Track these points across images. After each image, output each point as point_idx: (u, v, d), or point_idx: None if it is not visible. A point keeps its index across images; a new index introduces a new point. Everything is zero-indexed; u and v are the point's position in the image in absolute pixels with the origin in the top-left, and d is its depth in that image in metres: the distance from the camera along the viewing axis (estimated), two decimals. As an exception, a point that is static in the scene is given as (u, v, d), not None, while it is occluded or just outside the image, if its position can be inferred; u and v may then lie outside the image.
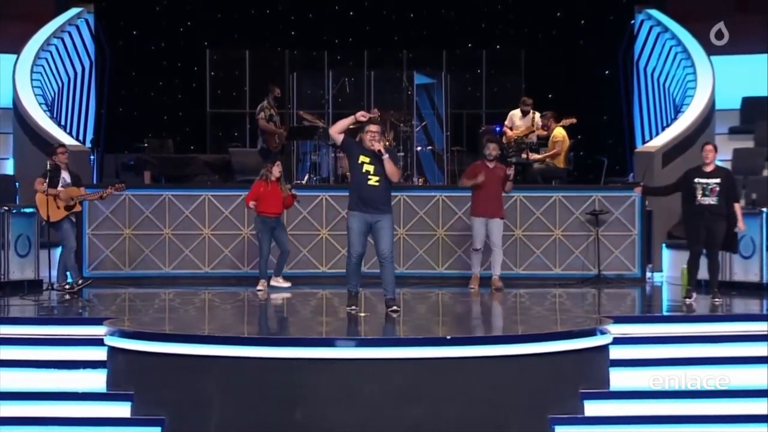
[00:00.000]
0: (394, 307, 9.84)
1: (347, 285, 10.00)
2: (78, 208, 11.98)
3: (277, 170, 12.42)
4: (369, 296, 10.12)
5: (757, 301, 11.50)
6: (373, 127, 9.83)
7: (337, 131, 9.76)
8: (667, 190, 11.80)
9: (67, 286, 11.79)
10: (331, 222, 13.43)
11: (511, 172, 12.49)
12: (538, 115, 14.97)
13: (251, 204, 12.27)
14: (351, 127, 9.87)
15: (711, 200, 10.96)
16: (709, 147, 11.19)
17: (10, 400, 8.42)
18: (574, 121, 14.53)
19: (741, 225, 11.19)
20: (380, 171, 9.72)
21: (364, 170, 9.72)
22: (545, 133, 14.84)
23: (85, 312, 10.69)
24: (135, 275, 13.54)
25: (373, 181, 9.73)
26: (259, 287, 12.37)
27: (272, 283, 12.51)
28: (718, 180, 10.98)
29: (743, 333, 9.49)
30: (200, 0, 18.44)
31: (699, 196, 10.98)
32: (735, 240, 11.45)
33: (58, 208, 11.71)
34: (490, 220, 12.46)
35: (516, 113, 15.20)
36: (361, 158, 9.75)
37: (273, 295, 12.17)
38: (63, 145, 12.37)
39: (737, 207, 11.16)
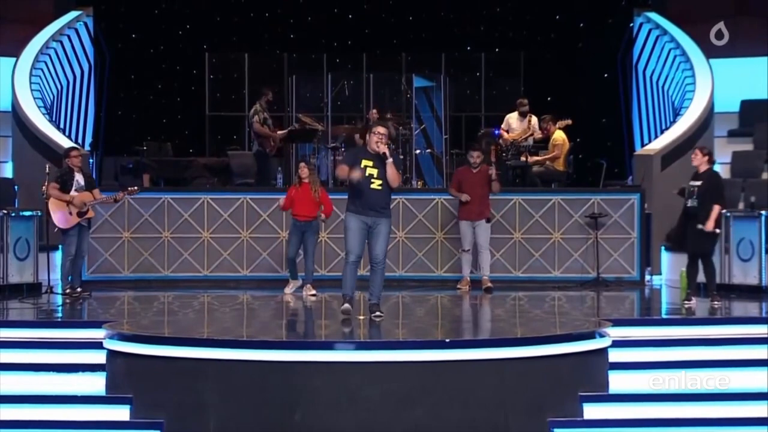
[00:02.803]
0: (378, 313, 9.72)
1: (343, 290, 9.83)
2: (91, 214, 11.91)
3: (302, 171, 12.22)
4: (367, 299, 10.09)
5: (756, 304, 11.50)
6: (381, 129, 9.75)
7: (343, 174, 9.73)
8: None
9: (68, 290, 11.77)
10: (330, 225, 13.40)
11: (492, 171, 12.59)
12: (535, 118, 14.99)
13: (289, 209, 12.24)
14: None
15: (693, 202, 11.02)
16: (696, 150, 11.30)
17: (10, 404, 8.41)
18: (569, 122, 14.55)
19: (708, 225, 11.02)
20: (382, 175, 9.63)
21: (367, 174, 9.63)
22: (541, 136, 14.83)
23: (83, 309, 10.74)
24: (134, 278, 13.54)
25: (376, 184, 9.64)
26: (285, 289, 12.31)
27: (303, 292, 12.22)
28: (699, 182, 11.03)
29: (743, 336, 9.49)
30: (199, 3, 18.44)
31: (686, 198, 11.10)
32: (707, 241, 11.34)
33: (71, 214, 11.68)
34: (476, 223, 12.59)
35: (513, 116, 15.19)
36: (364, 162, 9.66)
37: (271, 299, 12.17)
38: (76, 148, 12.34)
39: (715, 208, 11.02)
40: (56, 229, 11.76)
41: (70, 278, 11.81)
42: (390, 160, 9.61)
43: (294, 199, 12.13)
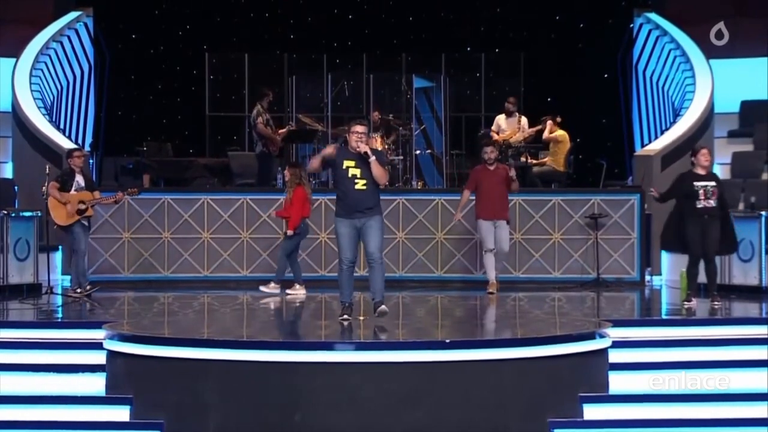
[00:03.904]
0: (382, 308, 9.49)
1: (341, 297, 9.67)
2: (90, 213, 11.95)
3: (285, 175, 12.47)
4: (367, 300, 10.09)
5: (756, 305, 11.50)
6: (359, 128, 9.41)
7: (314, 166, 9.78)
8: (666, 197, 11.66)
9: (79, 290, 11.76)
10: (330, 225, 13.33)
11: (513, 173, 12.53)
12: (525, 118, 15.03)
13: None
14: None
15: (712, 203, 11.01)
16: (706, 150, 11.29)
17: (10, 404, 8.42)
18: (558, 119, 14.69)
19: None
20: (367, 174, 9.38)
21: (350, 175, 9.39)
22: (532, 135, 14.89)
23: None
24: (134, 279, 13.54)
25: (360, 185, 9.39)
26: (288, 290, 12.42)
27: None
28: (715, 183, 11.06)
29: (743, 336, 9.49)
30: (199, 3, 18.44)
31: (702, 199, 11.00)
32: (735, 241, 11.47)
33: (70, 212, 11.72)
34: (496, 223, 12.40)
35: (501, 117, 15.24)
36: (346, 163, 9.41)
37: (268, 299, 12.17)
38: (79, 149, 12.40)
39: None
40: (56, 226, 11.79)
41: (78, 277, 11.86)
42: (372, 158, 9.34)
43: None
